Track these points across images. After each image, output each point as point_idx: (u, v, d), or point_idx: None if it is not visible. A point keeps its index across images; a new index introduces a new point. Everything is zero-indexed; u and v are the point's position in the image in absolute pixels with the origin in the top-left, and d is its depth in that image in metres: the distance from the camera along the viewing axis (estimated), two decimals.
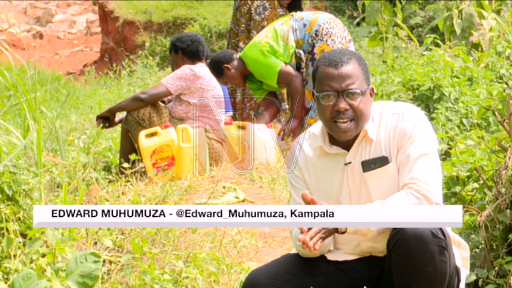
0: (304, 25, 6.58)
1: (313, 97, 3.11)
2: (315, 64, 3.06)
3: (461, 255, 3.05)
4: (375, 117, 3.04)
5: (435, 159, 2.96)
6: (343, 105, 2.96)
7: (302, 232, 2.83)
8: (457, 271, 2.99)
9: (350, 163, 3.04)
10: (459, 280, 3.00)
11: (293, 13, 6.76)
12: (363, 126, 3.02)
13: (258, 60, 6.53)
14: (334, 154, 3.07)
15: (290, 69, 6.53)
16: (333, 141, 3.08)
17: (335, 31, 6.54)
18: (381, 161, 2.99)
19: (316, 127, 3.13)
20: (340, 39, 6.54)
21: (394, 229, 2.86)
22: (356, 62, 3.01)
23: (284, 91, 7.18)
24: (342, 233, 2.92)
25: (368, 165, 3.00)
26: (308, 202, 2.84)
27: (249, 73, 6.66)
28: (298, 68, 6.62)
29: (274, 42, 6.54)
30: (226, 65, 6.62)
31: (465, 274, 3.06)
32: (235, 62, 6.65)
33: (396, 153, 2.99)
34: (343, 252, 3.11)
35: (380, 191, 2.97)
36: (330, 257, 3.08)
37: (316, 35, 6.52)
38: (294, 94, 6.62)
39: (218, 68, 6.62)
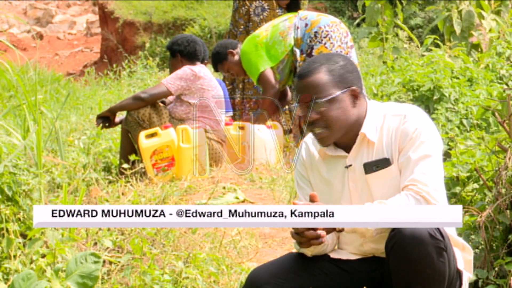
0: (306, 24, 6.56)
1: None
2: None
3: (464, 258, 3.04)
4: (378, 118, 3.04)
5: (437, 161, 2.95)
6: (312, 115, 2.98)
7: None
8: (459, 274, 2.98)
9: (350, 165, 3.04)
10: (461, 283, 2.99)
11: (300, 11, 6.75)
12: (340, 132, 3.02)
13: (247, 54, 6.57)
14: (336, 156, 3.08)
15: (270, 77, 6.52)
16: (335, 143, 3.09)
17: (336, 35, 6.48)
18: (383, 163, 2.99)
19: None
20: (340, 43, 6.48)
21: (392, 230, 2.85)
22: (323, 70, 3.01)
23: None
24: (340, 231, 2.92)
25: (370, 167, 3.00)
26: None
27: None
28: (294, 67, 6.60)
29: (270, 38, 6.55)
30: (231, 50, 6.65)
31: (468, 277, 3.05)
32: (239, 50, 6.68)
33: (398, 154, 2.98)
34: (346, 252, 3.12)
35: (382, 193, 2.97)
36: (333, 255, 3.08)
37: (315, 36, 6.48)
38: (263, 102, 6.66)
39: (222, 53, 6.67)
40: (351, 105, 3.02)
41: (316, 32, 6.48)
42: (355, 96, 3.02)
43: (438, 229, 2.83)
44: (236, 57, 6.69)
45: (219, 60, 6.71)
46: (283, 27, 6.56)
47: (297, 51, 6.51)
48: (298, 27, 6.55)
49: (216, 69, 6.85)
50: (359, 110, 3.04)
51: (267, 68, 6.51)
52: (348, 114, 3.02)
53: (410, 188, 2.90)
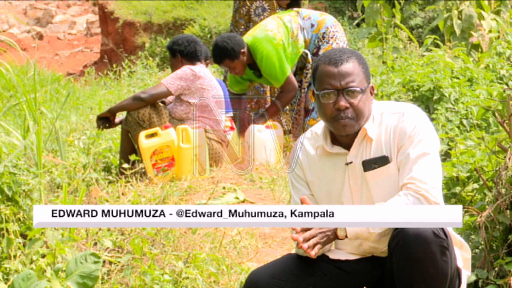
0: (312, 25, 6.59)
1: (313, 96, 3.11)
2: (315, 63, 3.07)
3: (462, 256, 3.05)
4: (376, 117, 3.05)
5: (435, 159, 2.96)
6: (343, 103, 2.97)
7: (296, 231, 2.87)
8: (458, 272, 2.99)
9: (351, 162, 3.04)
10: (460, 281, 3.00)
11: (299, 10, 6.74)
12: (363, 124, 3.02)
13: (271, 57, 6.40)
14: (335, 153, 3.08)
15: (294, 80, 6.50)
16: (334, 141, 3.09)
17: (339, 35, 6.62)
18: (382, 161, 3.00)
19: (319, 127, 3.14)
20: (343, 44, 6.61)
21: (396, 229, 2.86)
22: (356, 61, 3.02)
23: None
24: (343, 239, 2.93)
25: (369, 164, 3.01)
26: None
27: (251, 62, 6.54)
28: (302, 68, 6.63)
29: (285, 40, 6.52)
30: (243, 50, 6.49)
31: (466, 275, 3.06)
32: (246, 50, 6.52)
33: (397, 152, 2.99)
34: (345, 252, 3.12)
35: (381, 191, 2.98)
36: (332, 255, 3.08)
37: (323, 37, 6.54)
38: (283, 100, 6.54)
39: (236, 51, 6.39)
40: (370, 100, 3.05)
41: (324, 33, 6.55)
42: (371, 93, 3.06)
43: (442, 228, 2.83)
44: (245, 57, 6.51)
45: (230, 56, 6.39)
46: (291, 29, 6.56)
47: (308, 53, 6.57)
48: (304, 28, 6.58)
49: (219, 62, 6.48)
50: (371, 107, 3.06)
51: (290, 71, 6.49)
52: (369, 109, 3.04)
53: (409, 187, 2.90)
